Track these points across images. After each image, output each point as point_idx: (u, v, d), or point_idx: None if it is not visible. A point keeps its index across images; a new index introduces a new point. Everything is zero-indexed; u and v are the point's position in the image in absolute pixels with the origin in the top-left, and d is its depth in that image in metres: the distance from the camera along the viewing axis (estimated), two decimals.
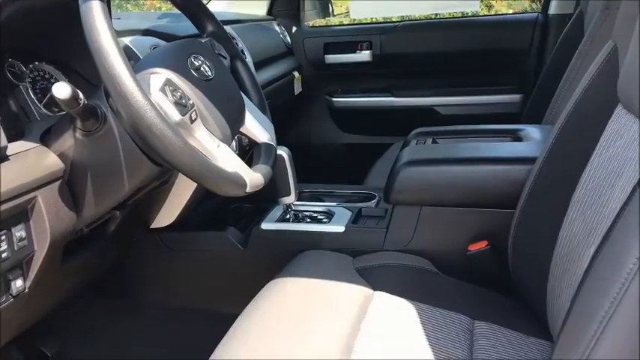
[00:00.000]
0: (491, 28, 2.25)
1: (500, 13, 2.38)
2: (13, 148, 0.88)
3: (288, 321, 1.04)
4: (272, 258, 1.32)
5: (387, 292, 1.14)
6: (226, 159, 0.91)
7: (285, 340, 0.99)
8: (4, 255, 0.83)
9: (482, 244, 1.25)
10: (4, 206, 0.81)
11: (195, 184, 1.35)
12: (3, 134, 0.84)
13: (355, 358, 0.95)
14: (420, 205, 1.31)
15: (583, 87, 1.05)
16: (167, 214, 1.37)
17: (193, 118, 0.89)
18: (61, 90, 0.78)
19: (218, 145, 0.92)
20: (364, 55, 2.31)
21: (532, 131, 1.43)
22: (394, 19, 2.41)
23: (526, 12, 2.24)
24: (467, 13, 2.52)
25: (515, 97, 2.20)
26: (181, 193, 1.35)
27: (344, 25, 2.54)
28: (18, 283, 0.89)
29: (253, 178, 0.95)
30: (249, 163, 1.04)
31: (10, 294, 0.89)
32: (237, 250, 1.41)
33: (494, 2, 4.61)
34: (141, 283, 1.51)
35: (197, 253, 1.45)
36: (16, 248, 0.86)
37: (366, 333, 1.02)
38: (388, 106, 2.32)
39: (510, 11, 2.40)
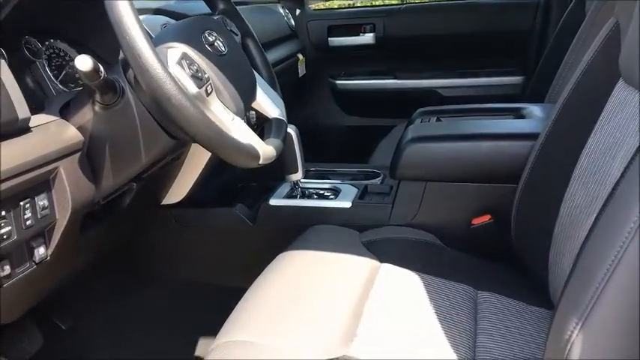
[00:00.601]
0: (493, 11, 2.27)
1: None
2: (35, 120, 0.91)
3: (298, 291, 1.08)
4: (280, 233, 1.35)
5: (393, 264, 1.18)
6: (240, 131, 0.94)
7: (295, 308, 1.02)
8: (28, 222, 0.87)
9: (485, 218, 1.28)
10: (28, 175, 0.85)
11: (204, 163, 1.39)
12: (26, 105, 0.87)
13: (364, 323, 0.99)
14: (425, 180, 1.35)
15: (585, 63, 1.08)
16: (178, 191, 1.40)
17: (209, 91, 0.92)
18: (84, 62, 0.81)
19: (232, 118, 0.95)
20: (367, 38, 2.34)
21: (534, 109, 1.46)
22: (397, 2, 2.42)
23: None
24: None
25: (517, 79, 2.23)
26: (191, 170, 1.39)
27: (347, 7, 2.56)
28: (40, 251, 0.93)
29: (266, 150, 0.98)
30: (260, 137, 1.07)
31: (34, 261, 0.92)
32: (246, 225, 1.44)
33: None
34: (152, 258, 1.55)
35: (207, 228, 1.48)
36: (39, 217, 0.89)
37: (374, 301, 1.06)
38: (391, 89, 2.35)
39: None
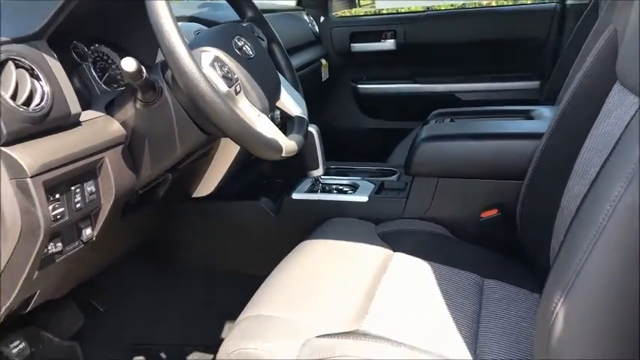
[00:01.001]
0: (510, 17, 2.35)
1: (519, 3, 2.46)
2: (83, 116, 1.03)
3: (316, 275, 1.18)
4: (301, 225, 1.45)
5: (405, 253, 1.27)
6: (265, 126, 1.05)
7: (313, 289, 1.12)
8: (77, 205, 0.98)
9: (493, 212, 1.36)
10: (79, 164, 0.96)
11: (231, 159, 1.50)
12: (77, 102, 0.99)
13: (376, 303, 1.08)
14: (437, 176, 1.43)
15: (585, 68, 1.16)
16: (207, 185, 1.51)
17: (237, 91, 1.03)
18: (129, 64, 0.92)
19: (258, 114, 1.06)
20: (388, 44, 2.43)
21: (543, 111, 1.53)
22: (417, 10, 2.51)
23: (544, 2, 2.33)
24: (489, 3, 2.61)
25: (533, 84, 2.29)
26: (220, 165, 1.50)
27: (369, 15, 2.65)
28: (87, 232, 1.04)
29: (288, 144, 1.08)
30: (283, 133, 1.17)
31: (81, 240, 1.04)
32: (269, 217, 1.55)
33: None
34: (182, 247, 1.66)
35: (233, 220, 1.59)
36: (87, 201, 1.01)
37: (386, 284, 1.15)
38: (411, 93, 2.44)
39: (529, 1, 2.47)
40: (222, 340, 1.02)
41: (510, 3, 2.40)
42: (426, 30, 2.38)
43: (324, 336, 0.96)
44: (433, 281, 1.17)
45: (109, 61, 1.28)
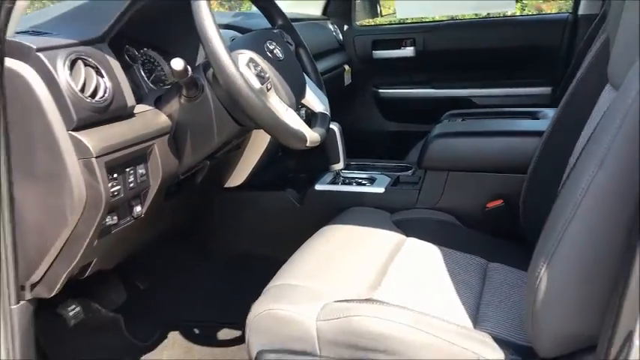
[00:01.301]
0: (525, 27, 2.47)
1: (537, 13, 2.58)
2: (136, 109, 1.19)
3: (336, 252, 1.32)
4: (323, 213, 1.59)
5: (417, 238, 1.41)
6: (292, 119, 1.20)
7: (333, 264, 1.26)
8: (131, 185, 1.15)
9: (498, 202, 1.49)
10: (133, 149, 1.12)
11: (260, 152, 1.65)
12: (133, 97, 1.15)
13: (388, 277, 1.22)
14: (447, 170, 1.57)
15: (582, 72, 1.29)
16: (238, 176, 1.67)
17: (269, 88, 1.18)
18: (178, 63, 1.08)
19: (286, 109, 1.21)
20: (408, 51, 2.56)
21: (548, 112, 1.66)
22: (436, 19, 2.64)
23: (558, 12, 2.45)
24: (505, 13, 2.74)
25: (545, 90, 2.41)
26: (250, 158, 1.65)
27: (390, 24, 2.79)
28: (137, 209, 1.20)
29: (312, 136, 1.23)
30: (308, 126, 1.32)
31: (132, 216, 1.20)
32: (294, 207, 1.70)
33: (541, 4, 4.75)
34: (214, 233, 1.82)
35: (261, 209, 1.74)
36: (138, 181, 1.17)
37: (398, 263, 1.29)
38: (429, 97, 2.57)
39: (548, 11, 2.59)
40: None
41: (532, 12, 2.53)
42: (443, 38, 2.51)
43: (341, 301, 1.10)
44: (441, 262, 1.31)
45: (156, 64, 1.44)
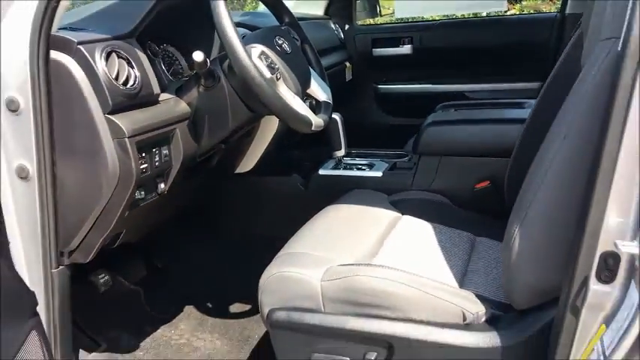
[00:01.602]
0: (515, 26, 2.61)
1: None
2: (160, 97, 1.34)
3: (339, 227, 1.46)
4: (326, 196, 1.73)
5: (412, 215, 1.55)
6: (299, 105, 1.35)
7: (336, 236, 1.41)
8: (156, 164, 1.29)
9: (485, 184, 1.64)
10: (158, 131, 1.27)
11: (268, 140, 1.80)
12: (158, 86, 1.30)
13: (384, 247, 1.36)
14: (440, 155, 1.72)
15: (559, 63, 1.44)
16: (248, 163, 1.82)
17: (278, 77, 1.33)
18: (198, 55, 1.23)
19: (294, 96, 1.36)
20: (406, 49, 2.71)
21: (532, 102, 1.80)
22: (432, 18, 2.78)
23: (548, 12, 2.59)
24: (497, 13, 2.88)
25: (534, 85, 2.55)
26: (259, 146, 1.80)
27: (389, 23, 2.94)
28: (161, 186, 1.35)
29: (317, 120, 1.38)
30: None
31: (157, 192, 1.35)
32: (300, 190, 1.85)
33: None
34: (227, 215, 1.97)
35: (269, 192, 1.89)
36: (162, 161, 1.32)
37: (394, 236, 1.43)
38: (425, 92, 2.71)
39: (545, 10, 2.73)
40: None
41: (531, 12, 2.66)
42: (439, 37, 2.66)
43: (343, 265, 1.24)
44: (433, 236, 1.45)
45: (174, 58, 1.59)
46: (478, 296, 1.18)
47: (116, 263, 1.64)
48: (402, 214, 1.57)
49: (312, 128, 1.37)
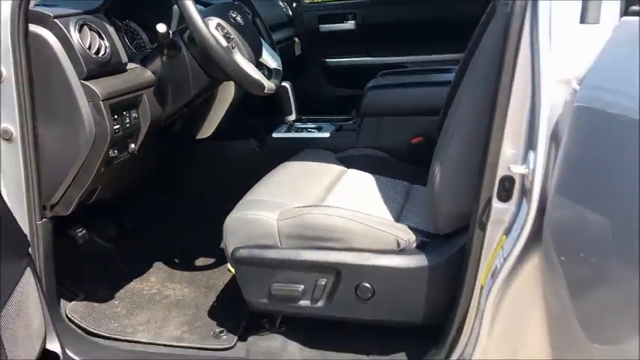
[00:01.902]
0: (448, 1, 2.82)
1: None
2: (127, 66, 1.50)
3: (293, 178, 1.66)
4: (280, 157, 1.91)
5: (356, 169, 1.76)
6: (253, 70, 1.53)
7: (291, 185, 1.60)
8: (127, 125, 1.45)
9: (419, 139, 1.86)
10: (127, 96, 1.43)
11: (226, 107, 1.97)
12: (126, 55, 1.46)
13: (333, 193, 1.56)
14: (380, 115, 1.93)
15: (476, 31, 1.66)
16: (208, 129, 1.99)
17: (233, 47, 1.50)
18: (162, 27, 1.40)
19: (247, 63, 1.54)
20: (350, 25, 2.89)
21: None
22: None
23: None
24: None
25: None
26: (217, 112, 1.97)
27: (334, 0, 3.11)
28: (132, 146, 1.51)
29: (269, 84, 1.57)
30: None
31: (128, 151, 1.51)
32: (256, 152, 2.04)
33: None
34: (189, 178, 2.14)
35: (228, 156, 2.07)
36: (132, 123, 1.48)
37: (341, 184, 1.63)
38: (369, 64, 2.90)
39: None
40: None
41: None
42: (380, 13, 2.84)
43: (296, 207, 1.44)
44: (374, 184, 1.66)
45: (136, 33, 1.74)
46: (410, 228, 1.40)
47: (90, 223, 1.79)
48: (348, 168, 1.77)
49: (265, 91, 1.55)
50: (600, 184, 0.90)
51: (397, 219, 1.47)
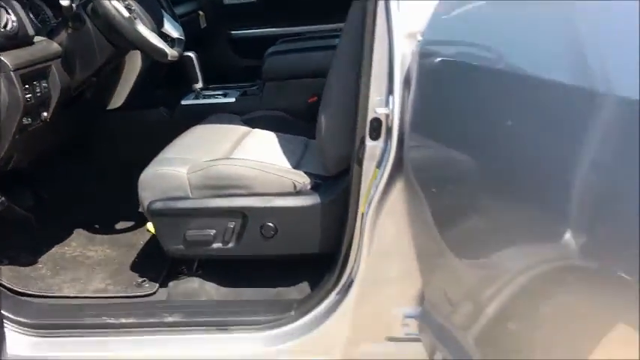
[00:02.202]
0: None
1: None
2: (35, 39, 1.59)
3: (201, 139, 1.82)
4: (190, 122, 2.05)
5: (260, 128, 1.94)
6: (155, 39, 1.66)
7: (200, 143, 1.76)
8: (38, 94, 1.56)
9: (314, 99, 2.06)
10: (36, 67, 1.54)
11: (135, 77, 2.09)
12: (32, 29, 1.56)
13: (239, 148, 1.74)
14: (281, 79, 2.12)
15: None
16: (118, 99, 2.10)
17: (135, 17, 1.63)
18: (65, 1, 1.51)
19: (150, 32, 1.67)
20: None
21: None
22: None
23: None
24: None
25: None
26: (127, 82, 2.09)
27: None
28: (44, 114, 1.62)
29: (171, 52, 1.71)
30: None
31: (41, 119, 1.61)
32: (167, 119, 2.17)
33: None
34: (103, 147, 2.24)
35: (140, 124, 2.19)
36: (43, 92, 1.58)
37: (245, 142, 1.81)
38: (273, 34, 3.05)
39: None
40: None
41: None
42: None
43: (205, 161, 1.61)
44: (276, 140, 1.85)
45: (40, 9, 1.82)
46: (306, 172, 1.61)
47: (8, 191, 1.87)
48: (253, 128, 1.95)
49: (168, 58, 1.69)
50: (440, 121, 1.13)
51: (295, 167, 1.67)
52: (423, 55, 1.16)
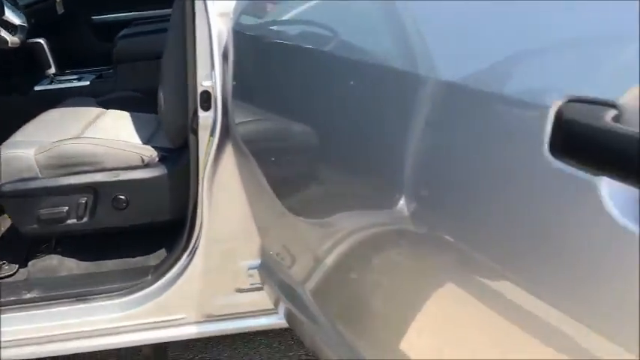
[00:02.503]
0: None
1: None
2: None
3: (54, 119, 1.87)
4: (44, 108, 2.08)
5: (113, 109, 2.02)
6: None
7: (54, 124, 1.82)
8: None
9: None
10: None
11: None
12: None
13: (88, 130, 1.81)
14: (133, 61, 2.20)
15: None
16: None
17: None
18: None
19: None
20: None
21: None
22: None
23: None
24: None
25: None
26: None
27: None
28: None
29: (12, 39, 1.75)
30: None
31: None
32: (21, 106, 2.18)
33: None
34: None
35: None
36: None
37: (98, 122, 1.88)
38: (132, 18, 3.08)
39: None
40: None
41: None
42: None
43: (52, 142, 1.67)
44: (129, 119, 1.94)
45: None
46: (154, 147, 1.72)
47: None
48: (107, 109, 2.02)
49: (9, 45, 1.74)
50: (259, 94, 1.30)
51: (146, 142, 1.77)
52: (236, 32, 1.32)
